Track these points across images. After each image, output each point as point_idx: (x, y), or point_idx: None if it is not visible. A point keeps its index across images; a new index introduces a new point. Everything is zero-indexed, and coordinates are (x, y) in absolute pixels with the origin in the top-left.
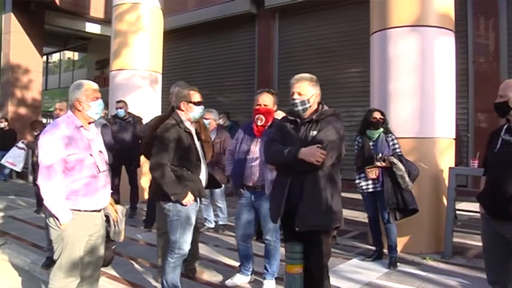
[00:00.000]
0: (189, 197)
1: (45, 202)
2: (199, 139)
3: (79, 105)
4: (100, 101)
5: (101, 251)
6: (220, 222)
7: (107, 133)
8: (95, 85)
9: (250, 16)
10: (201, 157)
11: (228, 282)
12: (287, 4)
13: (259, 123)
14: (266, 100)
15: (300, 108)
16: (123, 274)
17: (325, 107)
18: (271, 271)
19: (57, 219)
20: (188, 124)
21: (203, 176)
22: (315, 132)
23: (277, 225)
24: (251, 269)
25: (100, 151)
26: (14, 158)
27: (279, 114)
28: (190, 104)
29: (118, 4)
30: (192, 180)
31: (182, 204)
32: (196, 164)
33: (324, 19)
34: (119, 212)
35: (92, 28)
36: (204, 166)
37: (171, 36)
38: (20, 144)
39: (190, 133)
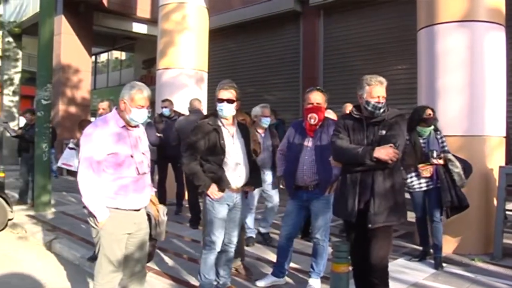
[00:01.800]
0: (213, 188)
1: (83, 200)
2: (243, 136)
3: (122, 105)
4: (144, 111)
5: (147, 247)
6: (262, 230)
7: (151, 132)
8: (146, 94)
9: (294, 14)
10: (232, 155)
11: (258, 283)
12: (332, 1)
13: (312, 122)
14: (318, 98)
15: (381, 110)
16: (168, 270)
17: (390, 109)
18: (317, 270)
19: (94, 217)
20: (219, 122)
21: (240, 175)
22: (383, 132)
23: (327, 224)
24: (286, 271)
25: (143, 153)
26: (67, 159)
27: (330, 113)
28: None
29: (164, 4)
30: (213, 172)
31: (209, 196)
32: (221, 159)
33: (369, 16)
34: (160, 212)
35: (139, 28)
36: (242, 162)
37: (217, 35)
38: (70, 145)
39: (217, 130)
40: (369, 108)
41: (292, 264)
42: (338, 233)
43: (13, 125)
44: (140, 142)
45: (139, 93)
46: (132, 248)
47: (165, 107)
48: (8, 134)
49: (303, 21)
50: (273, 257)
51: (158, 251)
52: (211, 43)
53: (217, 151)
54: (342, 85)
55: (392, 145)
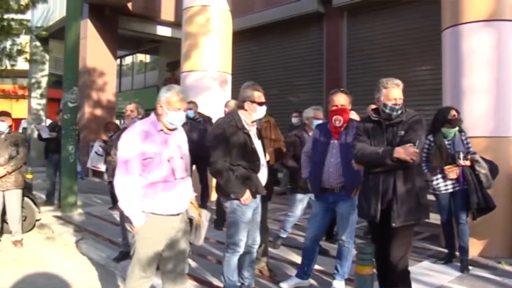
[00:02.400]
0: (247, 195)
1: (119, 204)
2: (259, 138)
3: (159, 109)
4: (181, 113)
5: (186, 252)
6: (281, 235)
7: None
8: (182, 95)
9: (318, 15)
10: (260, 157)
11: (282, 284)
12: (356, 2)
13: (337, 124)
14: (342, 100)
15: (399, 112)
16: (192, 271)
17: (408, 110)
18: (341, 271)
19: (130, 221)
20: (245, 124)
21: (263, 176)
22: (402, 132)
23: (353, 226)
24: (310, 273)
25: (181, 157)
26: (95, 162)
27: (353, 114)
28: (254, 104)
29: (188, 7)
30: (249, 178)
31: (240, 202)
32: (256, 164)
33: (393, 16)
34: (203, 216)
35: (163, 31)
36: (264, 165)
37: (240, 37)
38: (97, 151)
39: (247, 134)
40: (387, 111)
41: (316, 266)
42: (362, 235)
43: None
44: (178, 146)
45: (175, 96)
46: (171, 253)
47: (190, 109)
48: (35, 136)
49: (327, 22)
50: (297, 258)
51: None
52: (234, 46)
53: (250, 155)
54: (366, 86)
55: (411, 144)
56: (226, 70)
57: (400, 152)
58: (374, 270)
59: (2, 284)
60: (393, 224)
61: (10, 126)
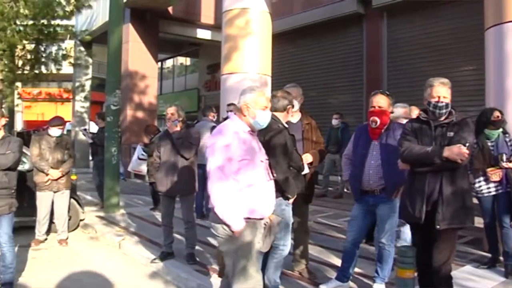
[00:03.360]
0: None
1: (216, 210)
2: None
3: (246, 110)
4: (268, 112)
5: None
6: None
7: None
8: (267, 94)
9: (357, 16)
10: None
11: (322, 287)
12: (396, 2)
13: (373, 125)
14: (380, 101)
15: (444, 111)
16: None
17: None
18: (382, 275)
19: (228, 226)
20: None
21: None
22: (452, 133)
23: (393, 229)
24: (350, 276)
25: (266, 159)
26: (136, 166)
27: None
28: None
29: (228, 10)
30: (299, 180)
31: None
32: (301, 164)
33: (433, 16)
34: (274, 222)
35: (203, 34)
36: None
37: (279, 39)
38: (140, 155)
39: (292, 135)
40: (431, 108)
41: (356, 269)
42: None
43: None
44: (260, 147)
45: (261, 95)
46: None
47: (231, 111)
48: (79, 138)
49: (366, 23)
50: (337, 261)
51: None
52: (274, 48)
53: (297, 157)
54: (407, 87)
55: (461, 145)
56: (266, 72)
57: (451, 151)
58: (415, 274)
59: (49, 281)
60: (438, 227)
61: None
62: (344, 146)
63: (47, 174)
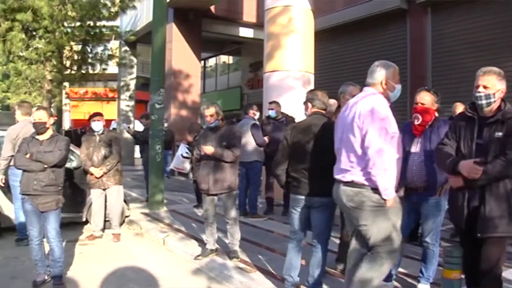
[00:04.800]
0: None
1: (378, 178)
2: None
3: (385, 84)
4: (400, 86)
5: None
6: None
7: (258, 133)
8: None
9: (400, 12)
10: None
11: None
12: None
13: (415, 122)
14: (425, 98)
15: (484, 102)
16: (277, 270)
17: (508, 105)
18: (426, 275)
19: (381, 195)
20: None
21: None
22: (500, 134)
23: (438, 228)
24: (394, 276)
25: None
26: (179, 164)
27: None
28: None
29: (270, 8)
30: None
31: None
32: None
33: (480, 10)
34: None
35: (245, 32)
36: None
37: (321, 36)
38: (184, 153)
39: None
40: (474, 100)
41: (400, 269)
42: (449, 237)
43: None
44: None
45: (397, 68)
46: None
47: (272, 109)
48: (124, 136)
49: (410, 19)
50: None
51: (266, 251)
52: (316, 45)
53: None
54: (453, 84)
55: (477, 160)
56: (309, 70)
57: (462, 167)
58: (462, 275)
59: (95, 275)
60: (478, 235)
61: (104, 127)
62: None
63: (91, 173)
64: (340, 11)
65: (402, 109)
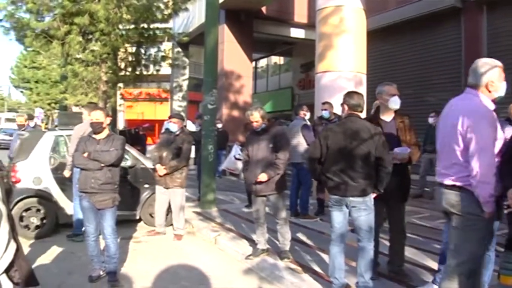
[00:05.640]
0: None
1: (483, 189)
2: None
3: (491, 86)
4: (505, 85)
5: None
6: None
7: (310, 134)
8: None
9: (455, 10)
10: None
11: None
12: None
13: None
14: None
15: None
16: (327, 272)
17: None
18: (482, 280)
19: (481, 207)
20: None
21: None
22: None
23: (494, 233)
24: None
25: None
26: (231, 164)
27: None
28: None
29: (322, 8)
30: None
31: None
32: None
33: None
34: None
35: (297, 33)
36: None
37: (373, 36)
38: (236, 155)
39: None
40: None
41: None
42: (505, 242)
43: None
44: None
45: (501, 67)
46: None
47: (326, 109)
48: None
49: (464, 17)
50: (433, 264)
51: (317, 252)
52: (368, 45)
53: None
54: (510, 84)
55: None
56: (361, 70)
57: None
58: None
59: (148, 272)
60: None
61: (181, 128)
62: None
63: (155, 170)
64: (392, 10)
65: None
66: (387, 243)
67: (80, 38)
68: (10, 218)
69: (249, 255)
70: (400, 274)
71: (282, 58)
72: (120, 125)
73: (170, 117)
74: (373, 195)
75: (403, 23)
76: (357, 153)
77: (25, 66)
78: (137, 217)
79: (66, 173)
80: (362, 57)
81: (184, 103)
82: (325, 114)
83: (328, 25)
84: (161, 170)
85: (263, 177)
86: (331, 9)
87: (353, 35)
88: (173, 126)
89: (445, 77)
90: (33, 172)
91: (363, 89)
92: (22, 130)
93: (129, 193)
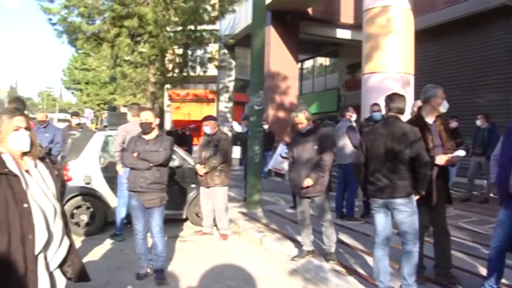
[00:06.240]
0: None
1: None
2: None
3: None
4: None
5: None
6: None
7: (355, 135)
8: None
9: (506, 9)
10: None
11: None
12: None
13: None
14: None
15: None
16: (373, 275)
17: None
18: None
19: None
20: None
21: None
22: None
23: None
24: (496, 286)
25: None
26: (277, 164)
27: None
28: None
29: (369, 9)
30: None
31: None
32: None
33: None
34: None
35: (343, 34)
36: None
37: (421, 37)
38: (283, 153)
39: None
40: None
41: (503, 280)
42: None
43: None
44: None
45: None
46: None
47: (377, 111)
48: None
49: None
50: (482, 270)
51: (362, 254)
52: (415, 45)
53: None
54: None
55: None
56: (409, 71)
57: None
58: None
59: (194, 271)
60: None
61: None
62: (490, 148)
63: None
64: (440, 10)
65: (506, 111)
66: (433, 247)
67: (129, 40)
68: (64, 215)
69: (295, 257)
70: (448, 277)
71: (328, 59)
72: (167, 125)
73: (203, 120)
74: (415, 197)
75: (451, 23)
76: (395, 155)
77: (76, 68)
78: (184, 217)
79: (119, 169)
80: (409, 58)
81: (230, 104)
82: (376, 115)
83: (376, 25)
84: (200, 169)
85: (308, 182)
86: (379, 10)
87: (401, 36)
88: (207, 129)
89: (495, 78)
90: (84, 170)
91: (410, 90)
92: (43, 127)
93: (176, 192)
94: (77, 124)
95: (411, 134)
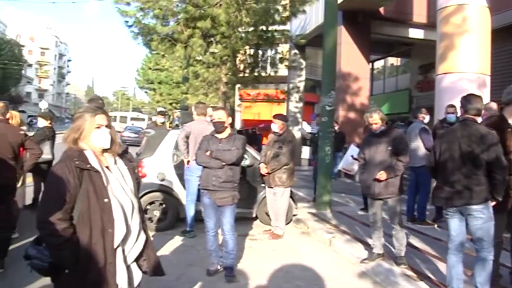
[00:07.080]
0: None
1: None
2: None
3: None
4: None
5: None
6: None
7: (428, 137)
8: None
9: None
10: None
11: None
12: None
13: None
14: None
15: None
16: (444, 280)
17: None
18: None
19: None
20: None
21: None
22: None
23: None
24: None
25: None
26: (348, 165)
27: None
28: None
29: (443, 7)
30: None
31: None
32: None
33: None
34: None
35: (415, 33)
36: None
37: (498, 36)
38: (353, 150)
39: None
40: None
41: None
42: None
43: (297, 129)
44: None
45: None
46: None
47: (452, 113)
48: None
49: None
50: None
51: (434, 260)
52: (491, 45)
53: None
54: None
55: None
56: (485, 72)
57: None
58: None
59: (263, 270)
60: None
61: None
62: None
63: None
64: None
65: None
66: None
67: (202, 41)
68: (141, 211)
69: (365, 259)
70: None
71: (399, 59)
72: (237, 125)
73: (274, 116)
74: (491, 203)
75: None
76: (473, 159)
77: (150, 68)
78: (254, 215)
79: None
80: (485, 58)
81: (300, 104)
82: (451, 117)
83: (450, 24)
84: (263, 169)
85: (382, 175)
86: (453, 8)
87: (477, 35)
88: (274, 126)
89: None
90: (158, 168)
91: (486, 91)
92: None
93: (247, 191)
94: (162, 123)
95: (489, 137)
